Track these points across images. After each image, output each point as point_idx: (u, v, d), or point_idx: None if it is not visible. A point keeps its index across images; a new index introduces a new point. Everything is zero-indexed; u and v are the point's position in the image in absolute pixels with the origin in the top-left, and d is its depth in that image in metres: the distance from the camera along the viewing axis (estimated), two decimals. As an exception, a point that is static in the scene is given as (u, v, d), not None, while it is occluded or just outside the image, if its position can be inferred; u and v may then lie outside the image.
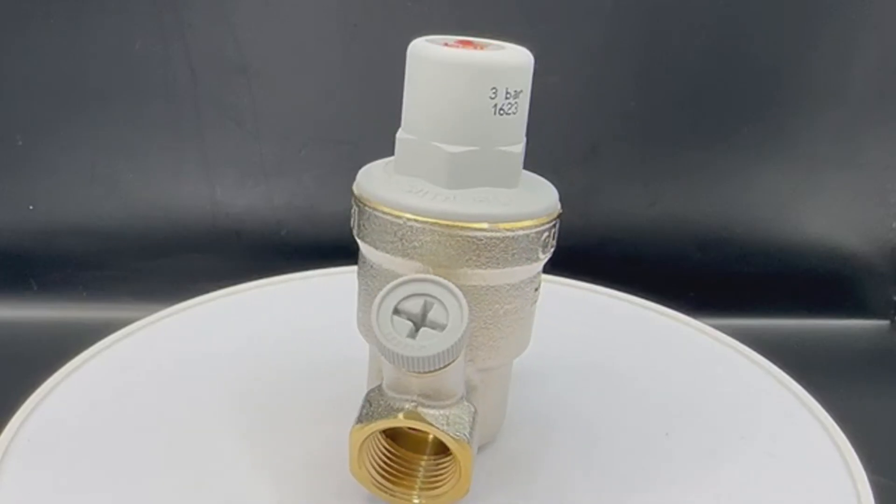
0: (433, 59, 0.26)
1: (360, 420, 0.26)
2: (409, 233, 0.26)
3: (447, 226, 0.26)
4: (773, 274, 0.65)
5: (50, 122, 0.62)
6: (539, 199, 0.27)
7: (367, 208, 0.27)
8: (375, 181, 0.28)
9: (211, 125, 0.63)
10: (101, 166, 0.64)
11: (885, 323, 0.66)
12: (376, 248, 0.27)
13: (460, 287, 0.25)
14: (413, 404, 0.26)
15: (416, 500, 0.27)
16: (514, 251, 0.26)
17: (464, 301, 0.24)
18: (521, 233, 0.26)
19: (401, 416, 0.26)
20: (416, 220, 0.26)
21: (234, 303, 0.42)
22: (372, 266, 0.28)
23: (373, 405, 0.26)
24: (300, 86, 0.63)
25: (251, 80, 0.63)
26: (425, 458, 0.28)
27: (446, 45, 0.27)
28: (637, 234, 0.65)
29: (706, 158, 0.64)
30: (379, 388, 0.26)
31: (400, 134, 0.28)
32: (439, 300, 0.25)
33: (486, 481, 0.29)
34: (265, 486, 0.29)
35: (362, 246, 0.28)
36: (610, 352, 0.37)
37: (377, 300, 0.24)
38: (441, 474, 0.27)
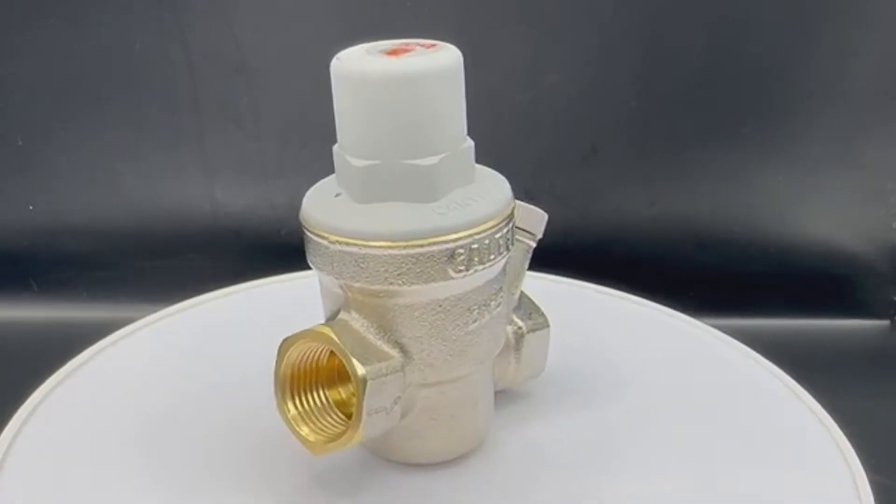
0: (337, 72, 0.25)
1: None
2: (309, 244, 0.26)
3: (323, 236, 0.25)
4: (773, 274, 0.65)
5: (50, 122, 0.62)
6: (427, 219, 0.25)
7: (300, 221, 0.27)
8: (311, 193, 0.28)
9: (211, 125, 0.63)
10: (101, 166, 0.64)
11: (885, 323, 0.66)
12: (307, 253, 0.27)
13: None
14: None
15: None
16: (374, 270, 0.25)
17: None
18: (379, 252, 0.24)
19: None
20: (310, 233, 0.26)
21: (234, 303, 0.42)
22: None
23: None
24: (300, 86, 0.63)
25: (251, 80, 0.63)
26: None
27: (375, 53, 0.25)
28: (637, 234, 0.65)
29: (706, 158, 0.64)
30: None
31: (335, 147, 0.27)
32: None
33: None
34: (266, 485, 0.29)
35: None
36: (609, 350, 0.37)
37: None
38: None
